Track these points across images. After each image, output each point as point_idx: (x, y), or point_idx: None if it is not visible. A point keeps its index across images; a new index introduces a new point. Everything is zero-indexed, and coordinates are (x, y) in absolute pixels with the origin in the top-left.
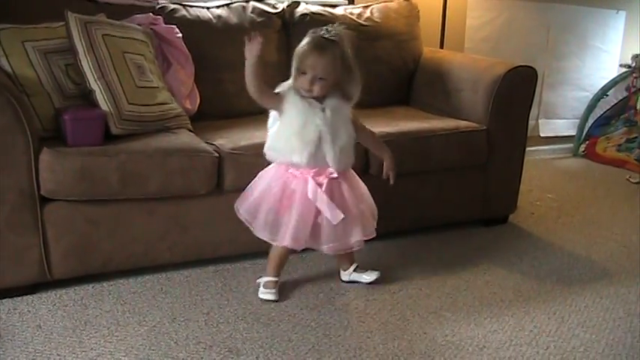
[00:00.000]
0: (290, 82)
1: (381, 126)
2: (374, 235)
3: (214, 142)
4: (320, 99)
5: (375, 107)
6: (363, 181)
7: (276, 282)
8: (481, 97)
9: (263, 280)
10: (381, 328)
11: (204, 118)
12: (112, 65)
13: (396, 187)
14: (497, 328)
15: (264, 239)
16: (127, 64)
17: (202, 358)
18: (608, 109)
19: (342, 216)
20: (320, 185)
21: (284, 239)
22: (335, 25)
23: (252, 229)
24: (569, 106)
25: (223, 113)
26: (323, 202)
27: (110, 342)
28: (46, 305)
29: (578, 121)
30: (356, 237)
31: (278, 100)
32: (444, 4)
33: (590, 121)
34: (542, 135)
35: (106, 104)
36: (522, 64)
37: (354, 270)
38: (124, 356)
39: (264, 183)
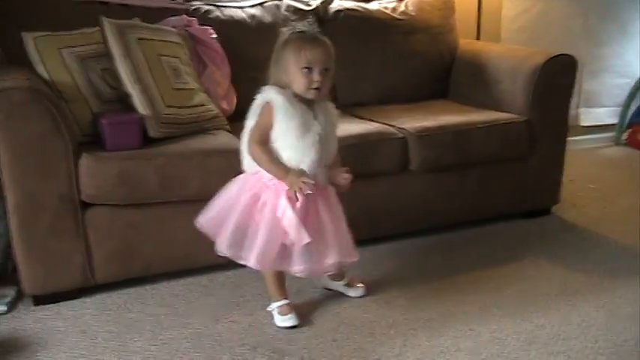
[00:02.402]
0: (274, 88)
1: (420, 120)
2: (356, 258)
3: None
4: (309, 103)
5: (412, 101)
6: (404, 180)
7: (289, 304)
8: (520, 87)
9: (274, 306)
10: (426, 325)
11: (242, 118)
12: (148, 68)
13: (436, 182)
14: (544, 322)
15: (228, 256)
16: (163, 66)
17: (247, 359)
18: None
19: (308, 240)
20: (294, 202)
21: (248, 259)
22: (310, 18)
23: (216, 244)
24: (610, 93)
25: None
26: (291, 222)
27: (154, 345)
28: (90, 310)
29: (619, 108)
30: (331, 259)
31: (270, 115)
32: None
33: (633, 109)
34: (583, 124)
35: (144, 108)
36: (561, 52)
37: (344, 285)
38: (169, 359)
39: (230, 195)
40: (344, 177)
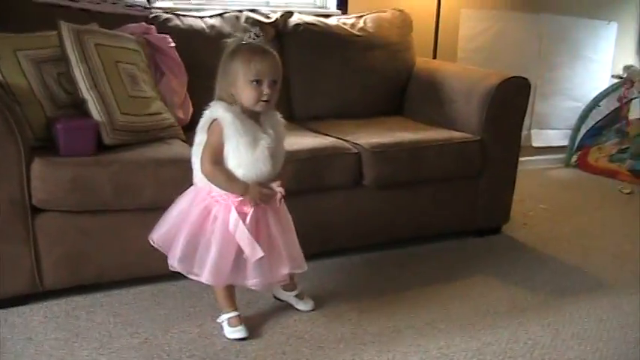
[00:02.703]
0: (221, 105)
1: (375, 136)
2: (305, 269)
3: None
4: (256, 117)
5: (368, 117)
6: (357, 195)
7: (239, 316)
8: (474, 107)
9: (224, 317)
10: (375, 340)
11: None
12: (104, 75)
13: (389, 198)
14: (491, 340)
15: (179, 271)
16: (120, 73)
17: None
18: (600, 120)
19: (262, 254)
20: (244, 215)
21: (201, 275)
22: (256, 29)
23: (168, 258)
24: (561, 116)
25: None
26: (243, 237)
27: (102, 354)
28: (37, 317)
29: (570, 131)
30: (283, 270)
31: (220, 133)
32: (437, 14)
33: (583, 132)
34: (534, 145)
35: (99, 114)
36: (515, 74)
37: (295, 295)
38: None
39: (181, 208)
40: (275, 187)
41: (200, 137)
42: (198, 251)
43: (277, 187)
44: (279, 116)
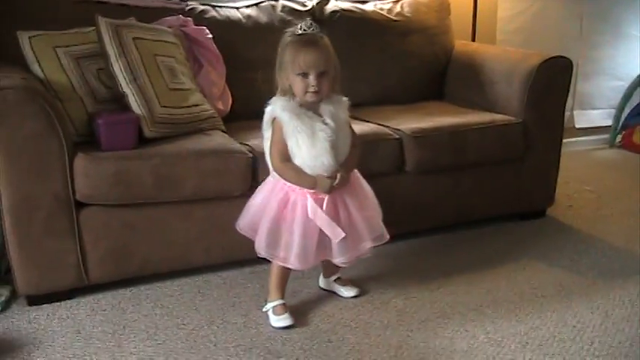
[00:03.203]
0: (279, 101)
1: (415, 122)
2: (386, 239)
3: (248, 143)
4: (316, 107)
5: (408, 103)
6: (399, 181)
7: (285, 305)
8: (516, 89)
9: (269, 306)
10: (422, 327)
11: (238, 119)
12: (143, 68)
13: (432, 184)
14: (539, 324)
15: (265, 256)
16: (159, 66)
17: None
18: None
19: (344, 234)
20: (321, 201)
21: (287, 260)
22: (307, 20)
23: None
24: (604, 96)
25: (256, 113)
26: (323, 221)
27: (149, 346)
28: (85, 310)
29: (614, 111)
30: (366, 245)
31: (280, 132)
32: None
33: (627, 111)
34: (577, 126)
35: (139, 107)
36: (557, 54)
37: (335, 280)
38: None
39: (262, 197)
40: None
41: (266, 134)
42: (282, 237)
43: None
44: (343, 100)
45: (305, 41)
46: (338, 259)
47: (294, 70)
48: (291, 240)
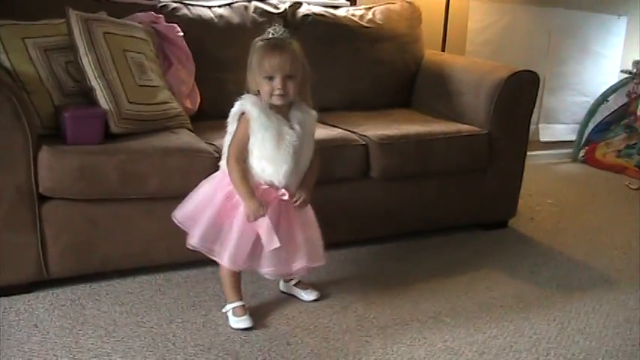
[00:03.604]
0: (250, 98)
1: (383, 128)
2: (323, 263)
3: (214, 143)
4: (285, 112)
5: (376, 109)
6: (364, 186)
7: (244, 306)
8: (483, 101)
9: (229, 307)
10: (380, 332)
11: (205, 118)
12: (112, 63)
13: (396, 190)
14: (496, 333)
15: (200, 250)
16: (128, 62)
17: None
18: (608, 115)
19: (278, 244)
20: (267, 205)
21: (221, 257)
22: (276, 25)
23: (188, 237)
24: (569, 111)
25: (224, 113)
26: (263, 226)
27: (107, 343)
28: (43, 304)
29: (578, 126)
30: (299, 264)
31: (246, 127)
32: (447, 6)
33: (591, 127)
34: (542, 140)
35: (106, 102)
36: (524, 68)
37: (295, 285)
38: (121, 357)
39: (207, 191)
40: (296, 198)
41: (230, 127)
42: (220, 233)
43: (295, 199)
44: (311, 112)
45: (272, 45)
46: (265, 270)
47: (260, 72)
48: (228, 237)
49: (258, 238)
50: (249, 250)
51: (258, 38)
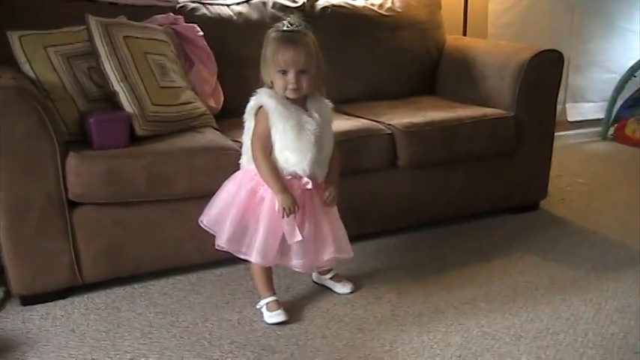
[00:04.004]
0: (266, 92)
1: (408, 116)
2: (351, 255)
3: (240, 140)
4: (302, 102)
5: (400, 98)
6: (392, 176)
7: (277, 301)
8: (507, 83)
9: (262, 303)
10: (416, 321)
11: (229, 116)
12: (134, 67)
13: (424, 178)
14: (533, 317)
15: (229, 251)
16: (150, 64)
17: (237, 357)
18: (636, 91)
19: (300, 238)
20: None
21: (250, 254)
22: (292, 16)
23: (216, 239)
24: (596, 88)
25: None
26: (286, 219)
27: (144, 344)
28: (79, 309)
29: (606, 103)
30: (328, 255)
31: (266, 120)
32: None
33: (619, 104)
34: (569, 119)
35: (130, 106)
36: (548, 48)
37: (331, 278)
38: (158, 358)
39: (230, 190)
40: (327, 196)
41: (248, 123)
42: (247, 231)
43: (326, 194)
44: (326, 102)
45: (286, 38)
46: (294, 262)
47: (274, 66)
48: (254, 235)
49: (284, 236)
50: (278, 245)
51: (272, 28)
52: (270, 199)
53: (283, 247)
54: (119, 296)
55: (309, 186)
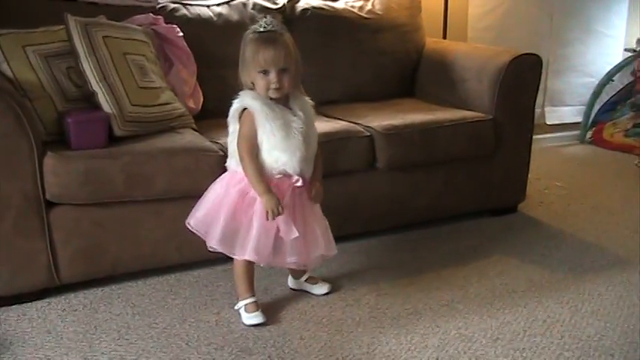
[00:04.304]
0: (249, 94)
1: (387, 118)
2: (335, 252)
3: (219, 141)
4: (285, 101)
5: (379, 100)
6: (371, 178)
7: (256, 302)
8: (486, 86)
9: (241, 304)
10: (394, 323)
11: (208, 117)
12: (113, 67)
13: (403, 180)
14: (510, 319)
15: (221, 251)
16: (129, 65)
17: (214, 358)
18: (614, 95)
19: (296, 234)
20: (282, 195)
21: (244, 252)
22: (267, 16)
23: (206, 240)
24: (574, 92)
25: (227, 111)
26: (281, 216)
27: (121, 345)
28: (56, 310)
29: (584, 107)
30: (317, 251)
31: (251, 121)
32: None
33: (597, 107)
34: (548, 122)
35: (109, 106)
36: (526, 51)
37: (305, 280)
38: (135, 359)
39: (218, 191)
40: (313, 193)
41: (232, 126)
42: (239, 232)
43: (314, 191)
44: (307, 100)
45: (265, 39)
46: (289, 260)
47: (255, 67)
48: (247, 234)
49: (277, 232)
50: (272, 247)
51: (249, 30)
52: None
53: (275, 245)
54: (97, 297)
55: (300, 183)
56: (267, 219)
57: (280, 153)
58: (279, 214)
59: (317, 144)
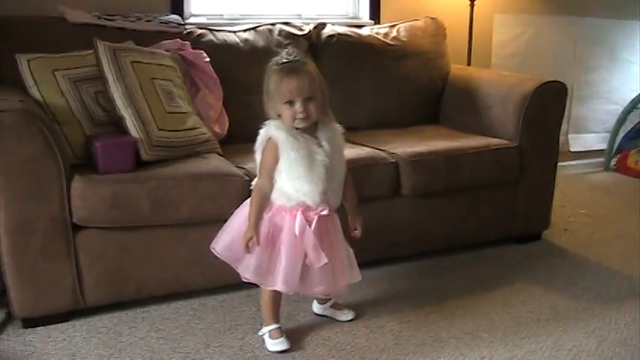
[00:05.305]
0: (274, 123)
1: (411, 145)
2: (360, 278)
3: (244, 166)
4: (312, 131)
5: (404, 127)
6: (395, 204)
7: (280, 329)
8: (511, 113)
9: (265, 330)
10: (417, 351)
11: (234, 142)
12: (141, 92)
13: (428, 207)
14: (535, 348)
15: (253, 282)
16: (156, 90)
17: None
18: (638, 122)
19: (326, 260)
20: (309, 223)
21: (274, 283)
22: (289, 48)
23: (239, 270)
24: (599, 119)
25: (253, 136)
26: (309, 241)
27: None
28: (80, 333)
29: (608, 134)
30: (343, 280)
31: (273, 150)
32: (470, 21)
33: (621, 135)
34: (572, 150)
35: (136, 131)
36: (551, 79)
37: (331, 306)
38: None
39: (244, 219)
40: (354, 232)
41: (258, 155)
42: (270, 261)
43: (355, 231)
44: (337, 127)
45: (288, 69)
46: (316, 289)
47: (280, 99)
48: (277, 263)
49: (304, 260)
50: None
51: (272, 62)
52: (288, 226)
53: (303, 274)
54: (121, 320)
55: (326, 212)
56: (242, 248)
57: (302, 183)
58: (248, 248)
59: (345, 174)
